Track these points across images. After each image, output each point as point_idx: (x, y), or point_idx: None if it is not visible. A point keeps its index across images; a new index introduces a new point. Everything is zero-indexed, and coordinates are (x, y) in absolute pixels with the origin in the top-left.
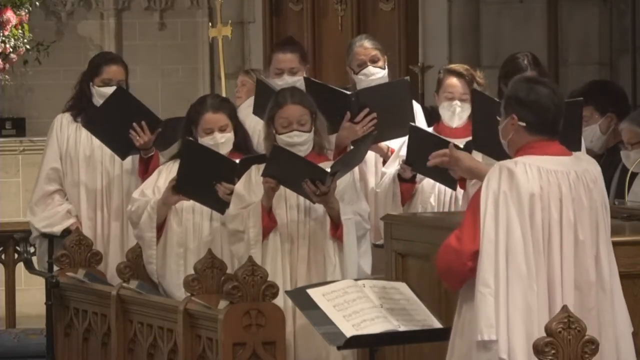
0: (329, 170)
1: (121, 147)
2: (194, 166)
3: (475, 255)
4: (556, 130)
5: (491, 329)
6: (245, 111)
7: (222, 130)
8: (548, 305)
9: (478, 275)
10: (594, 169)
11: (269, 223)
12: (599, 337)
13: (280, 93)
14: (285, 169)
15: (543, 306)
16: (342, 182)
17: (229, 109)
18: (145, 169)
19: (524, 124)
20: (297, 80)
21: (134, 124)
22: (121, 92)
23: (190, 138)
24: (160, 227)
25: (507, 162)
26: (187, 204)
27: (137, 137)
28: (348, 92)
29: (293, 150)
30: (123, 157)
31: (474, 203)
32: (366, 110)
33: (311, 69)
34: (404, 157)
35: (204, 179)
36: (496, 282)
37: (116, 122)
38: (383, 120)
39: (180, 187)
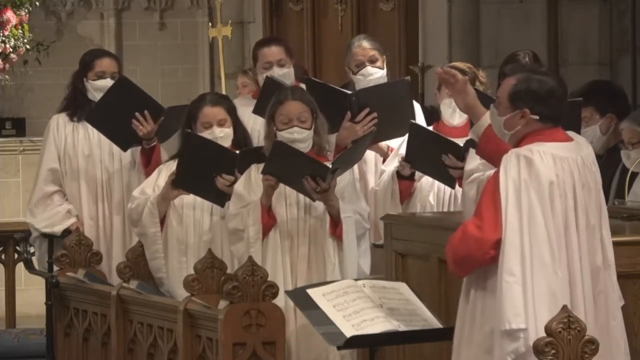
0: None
1: (123, 138)
2: (194, 159)
3: (497, 243)
4: (561, 116)
5: (518, 318)
6: (241, 110)
7: (220, 124)
8: (569, 291)
9: (502, 264)
10: (591, 151)
11: (268, 221)
12: (607, 319)
13: (281, 91)
14: (286, 166)
15: (566, 292)
16: (342, 181)
17: (228, 104)
18: (148, 160)
19: (537, 117)
20: (287, 72)
21: (137, 114)
22: (124, 81)
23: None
24: (161, 224)
25: (522, 150)
26: (187, 200)
27: (140, 127)
28: (348, 92)
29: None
30: (125, 149)
31: (490, 190)
32: (366, 110)
33: (311, 68)
34: (404, 155)
35: (203, 171)
36: (522, 270)
37: (119, 112)
38: (383, 120)
39: (180, 181)
